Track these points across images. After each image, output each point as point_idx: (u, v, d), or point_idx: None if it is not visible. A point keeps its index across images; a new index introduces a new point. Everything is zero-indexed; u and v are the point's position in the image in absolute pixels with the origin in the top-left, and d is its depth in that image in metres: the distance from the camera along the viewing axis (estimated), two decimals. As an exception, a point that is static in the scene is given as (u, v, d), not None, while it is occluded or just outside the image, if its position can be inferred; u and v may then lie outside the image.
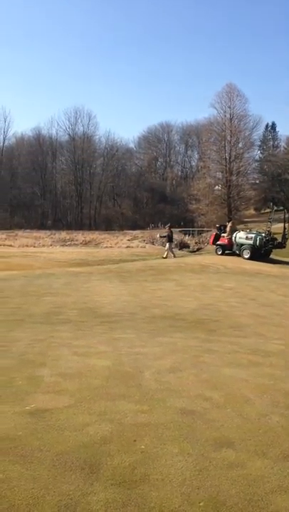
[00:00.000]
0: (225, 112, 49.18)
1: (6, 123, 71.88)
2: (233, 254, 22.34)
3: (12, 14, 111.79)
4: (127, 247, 35.94)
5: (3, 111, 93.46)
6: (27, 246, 35.73)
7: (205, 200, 49.58)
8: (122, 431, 3.30)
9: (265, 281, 14.88)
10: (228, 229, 23.51)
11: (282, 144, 71.84)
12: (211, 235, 26.66)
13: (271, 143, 74.64)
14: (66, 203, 72.92)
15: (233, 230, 23.21)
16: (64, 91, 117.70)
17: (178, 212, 64.59)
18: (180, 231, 45.14)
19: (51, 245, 37.65)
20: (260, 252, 21.61)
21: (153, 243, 35.03)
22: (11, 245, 35.97)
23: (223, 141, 49.52)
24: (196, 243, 34.90)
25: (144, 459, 2.93)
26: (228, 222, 25.26)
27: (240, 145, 50.61)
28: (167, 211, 65.50)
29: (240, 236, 22.40)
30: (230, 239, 22.66)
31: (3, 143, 71.74)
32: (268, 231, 22.49)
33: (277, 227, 25.80)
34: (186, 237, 39.52)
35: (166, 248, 23.87)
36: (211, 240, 25.45)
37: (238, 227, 26.84)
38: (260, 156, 67.88)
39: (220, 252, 23.07)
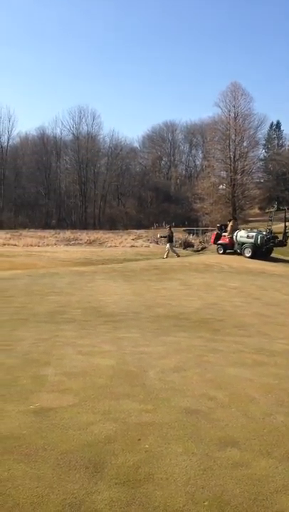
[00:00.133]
0: (229, 110, 49.00)
1: (11, 122, 72.22)
2: (234, 253, 22.38)
3: (16, 15, 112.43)
4: (132, 246, 35.96)
5: (7, 110, 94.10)
6: (31, 245, 35.84)
7: (209, 200, 49.44)
8: (126, 430, 3.29)
9: (270, 281, 14.85)
10: (229, 228, 23.55)
11: (287, 142, 71.85)
12: (212, 235, 26.71)
13: (276, 142, 74.50)
14: (70, 202, 73.04)
15: (234, 229, 23.27)
16: (68, 91, 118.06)
17: (182, 212, 64.58)
18: (184, 230, 45.14)
19: (55, 245, 37.74)
20: (262, 251, 21.68)
21: (157, 242, 35.01)
22: (15, 245, 36.08)
23: (228, 140, 49.34)
24: (200, 242, 34.85)
25: (149, 458, 2.93)
26: (229, 221, 25.26)
27: (244, 144, 50.42)
28: (171, 210, 65.49)
29: (241, 235, 22.45)
30: (232, 238, 22.71)
31: (8, 142, 72.04)
32: (269, 229, 22.54)
33: (278, 227, 25.77)
34: (191, 237, 39.49)
35: (166, 248, 23.82)
36: (212, 240, 25.53)
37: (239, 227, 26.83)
38: (265, 155, 67.79)
39: (221, 251, 23.15)
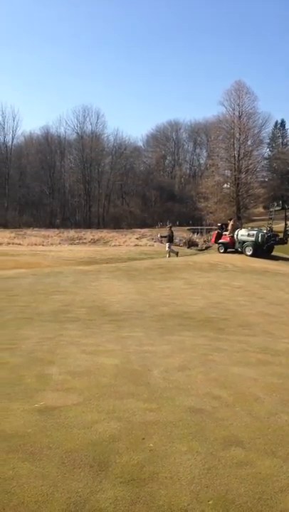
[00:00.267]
0: (234, 109, 48.97)
1: (15, 122, 72.59)
2: (235, 252, 22.43)
3: (19, 15, 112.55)
4: (136, 245, 36.00)
5: (11, 110, 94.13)
6: (36, 244, 35.94)
7: (213, 198, 49.41)
8: (130, 429, 3.30)
9: (274, 280, 14.82)
10: (229, 227, 23.63)
11: (292, 141, 71.45)
12: (213, 234, 26.80)
13: (280, 140, 74.35)
14: (74, 201, 73.10)
15: (235, 228, 23.36)
16: (72, 90, 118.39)
17: (186, 211, 64.57)
18: (188, 229, 45.13)
19: (60, 244, 37.83)
20: (263, 249, 21.74)
21: (161, 241, 35.01)
22: (19, 244, 36.20)
23: (232, 138, 49.27)
24: (204, 241, 34.84)
25: (153, 457, 2.93)
26: (230, 220, 25.31)
27: (249, 143, 50.35)
28: (176, 209, 65.47)
29: (242, 233, 22.53)
30: (232, 237, 22.79)
31: (12, 142, 72.07)
32: (270, 227, 22.65)
33: (281, 226, 25.76)
34: (195, 236, 39.48)
35: (166, 248, 23.81)
36: (213, 239, 25.66)
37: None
38: (269, 153, 67.66)
39: (222, 250, 23.26)
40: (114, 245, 37.02)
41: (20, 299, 9.74)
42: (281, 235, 22.84)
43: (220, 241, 23.86)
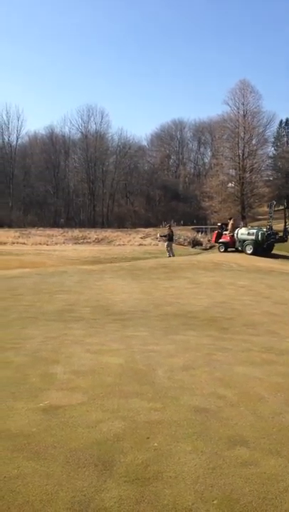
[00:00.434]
0: (238, 108, 48.74)
1: (19, 122, 72.27)
2: (236, 251, 22.50)
3: (23, 14, 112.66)
4: (140, 244, 36.02)
5: (16, 109, 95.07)
6: (40, 244, 36.05)
7: (218, 198, 49.27)
8: (135, 428, 3.30)
9: (279, 279, 14.78)
10: (229, 226, 23.73)
11: (296, 140, 71.20)
12: (213, 234, 26.90)
13: (285, 139, 74.02)
14: (79, 201, 73.19)
15: (235, 227, 23.47)
16: (77, 90, 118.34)
17: (191, 210, 64.46)
18: (193, 229, 45.08)
19: (64, 243, 37.92)
20: (263, 247, 21.81)
21: (164, 241, 35.02)
22: (24, 243, 36.32)
23: (237, 137, 49.08)
24: (208, 241, 34.84)
25: (158, 456, 2.93)
26: (230, 219, 25.41)
27: (253, 142, 50.12)
28: (180, 209, 65.41)
29: (242, 232, 22.64)
30: (233, 236, 22.89)
31: (17, 141, 72.18)
32: (270, 226, 22.75)
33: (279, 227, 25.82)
34: (199, 235, 39.46)
35: (166, 248, 23.82)
36: (213, 238, 25.84)
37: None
38: (274, 152, 67.26)
39: (222, 250, 23.38)
40: (119, 245, 37.06)
41: (25, 299, 9.76)
42: (281, 234, 22.98)
43: (220, 240, 24.00)
